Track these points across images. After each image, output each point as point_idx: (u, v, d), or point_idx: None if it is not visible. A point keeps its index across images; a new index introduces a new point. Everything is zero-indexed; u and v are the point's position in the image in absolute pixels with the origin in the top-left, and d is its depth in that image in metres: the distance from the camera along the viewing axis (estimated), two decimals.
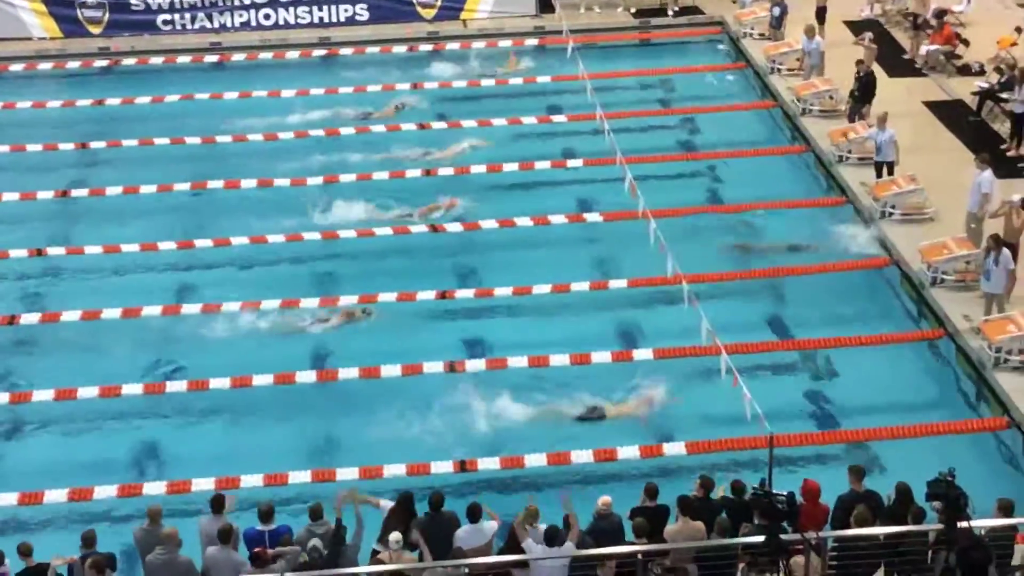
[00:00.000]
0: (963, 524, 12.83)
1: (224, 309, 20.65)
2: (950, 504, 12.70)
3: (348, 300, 20.78)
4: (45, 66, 30.20)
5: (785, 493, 12.96)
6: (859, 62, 25.50)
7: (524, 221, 22.76)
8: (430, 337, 20.30)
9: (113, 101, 28.15)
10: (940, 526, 13.01)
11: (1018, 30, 28.17)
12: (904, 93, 26.86)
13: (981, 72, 27.28)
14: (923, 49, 28.30)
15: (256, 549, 13.65)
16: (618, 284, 21.13)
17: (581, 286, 20.98)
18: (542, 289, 20.87)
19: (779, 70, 28.17)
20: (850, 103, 25.38)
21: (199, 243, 22.68)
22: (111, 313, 20.49)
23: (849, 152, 24.33)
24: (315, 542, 13.65)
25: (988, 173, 20.74)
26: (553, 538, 13.53)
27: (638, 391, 18.60)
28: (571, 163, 25.13)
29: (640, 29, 31.74)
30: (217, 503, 14.39)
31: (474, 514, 14.25)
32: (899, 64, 28.24)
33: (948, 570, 13.09)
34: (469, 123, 26.69)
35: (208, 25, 31.38)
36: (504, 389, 18.66)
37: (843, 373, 19.27)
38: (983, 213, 20.68)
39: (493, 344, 20.10)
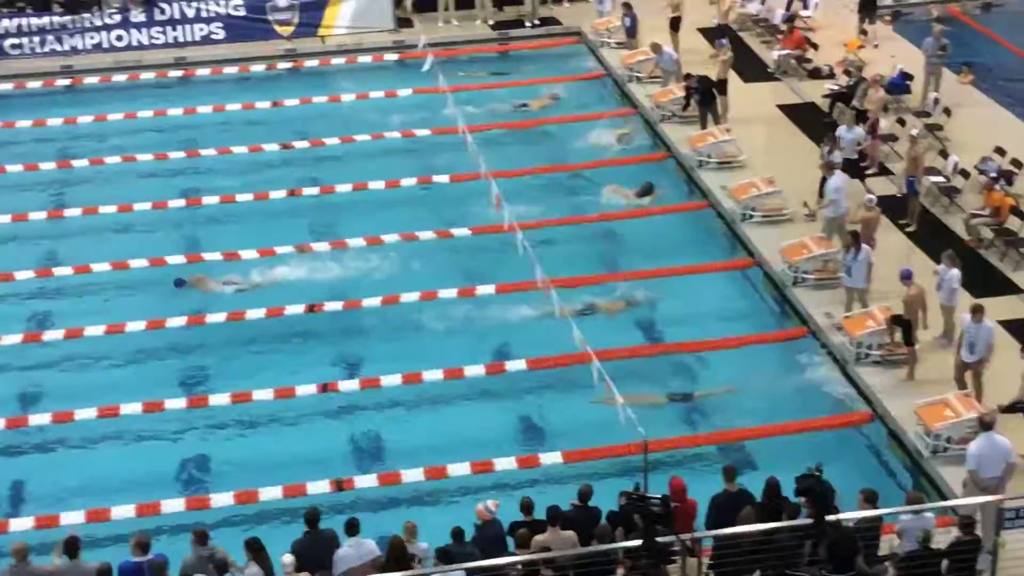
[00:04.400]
0: (831, 517, 13.17)
1: (88, 332, 20.30)
2: (818, 498, 13.01)
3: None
4: None
5: (660, 496, 13.13)
6: (687, 76, 26.02)
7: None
8: (301, 355, 20.17)
9: None
10: (809, 520, 13.32)
11: (863, 33, 29.04)
12: (758, 97, 27.46)
13: (831, 75, 28.03)
14: (774, 54, 28.98)
15: None
16: (486, 290, 21.23)
17: (449, 293, 21.10)
18: (410, 297, 20.94)
19: (637, 78, 28.58)
20: (700, 111, 25.88)
21: (57, 271, 22.15)
22: None
23: (709, 157, 24.79)
24: None
25: (834, 179, 21.26)
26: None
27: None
28: (436, 178, 25.12)
29: (499, 41, 31.90)
30: (71, 545, 13.89)
31: (353, 528, 14.06)
32: (753, 69, 28.87)
33: (814, 561, 13.42)
34: (332, 140, 26.56)
35: (58, 48, 30.62)
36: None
37: (713, 375, 19.58)
38: (842, 218, 21.16)
39: (370, 357, 20.06)
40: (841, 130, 23.09)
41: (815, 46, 29.10)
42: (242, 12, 31.30)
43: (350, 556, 13.88)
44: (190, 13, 31.04)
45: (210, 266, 22.20)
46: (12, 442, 18.33)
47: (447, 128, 25.81)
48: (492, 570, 13.39)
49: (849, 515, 13.79)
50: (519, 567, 13.60)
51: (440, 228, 23.22)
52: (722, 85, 26.18)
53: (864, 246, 19.48)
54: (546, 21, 32.39)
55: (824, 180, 22.04)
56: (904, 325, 18.42)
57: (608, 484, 15.39)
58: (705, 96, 25.67)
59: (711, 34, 29.55)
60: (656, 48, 27.68)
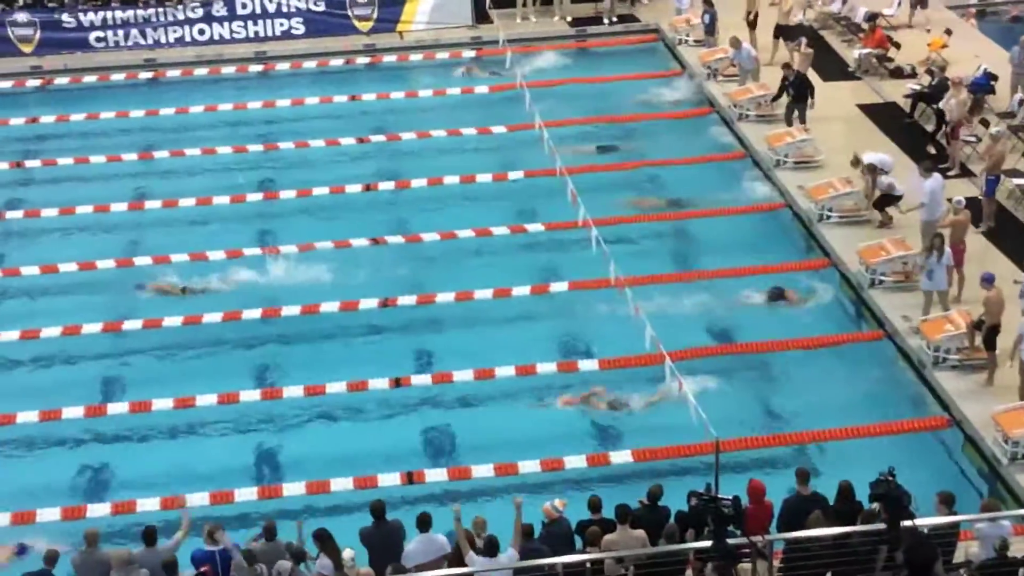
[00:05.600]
0: (907, 523, 12.99)
1: (166, 324, 20.57)
2: (893, 503, 12.83)
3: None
4: None
5: (730, 498, 13.04)
6: (786, 66, 25.83)
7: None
8: (374, 348, 20.28)
9: (47, 119, 27.95)
10: (883, 526, 13.16)
11: (948, 32, 28.59)
12: (838, 97, 27.15)
13: (913, 75, 27.64)
14: (855, 52, 28.64)
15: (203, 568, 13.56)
16: (560, 287, 21.21)
17: (522, 290, 21.11)
18: (484, 293, 21.02)
19: (715, 76, 28.39)
20: (788, 107, 25.66)
21: (138, 261, 22.45)
22: (49, 332, 20.29)
23: (786, 156, 24.56)
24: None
25: (930, 181, 20.93)
26: (492, 548, 13.51)
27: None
28: (512, 174, 25.14)
29: (577, 38, 31.85)
30: (149, 535, 14.14)
31: (424, 523, 14.15)
32: (833, 68, 28.54)
33: (889, 567, 13.25)
34: (408, 135, 26.70)
35: (142, 42, 31.09)
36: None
37: (786, 376, 19.41)
38: (939, 220, 20.76)
39: (442, 353, 20.09)
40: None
41: (897, 45, 28.69)
42: (322, 7, 31.60)
43: (420, 551, 13.96)
44: (271, 8, 31.40)
45: (285, 258, 22.38)
46: (91, 430, 18.62)
47: (523, 124, 25.85)
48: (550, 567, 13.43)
49: (924, 521, 13.59)
50: (588, 565, 13.59)
51: (515, 224, 23.26)
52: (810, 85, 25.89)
53: (948, 249, 19.18)
54: (624, 18, 32.29)
55: (884, 196, 22.01)
56: (985, 329, 18.10)
57: (678, 484, 15.33)
58: (800, 92, 25.42)
59: (788, 33, 29.16)
60: (736, 43, 27.46)
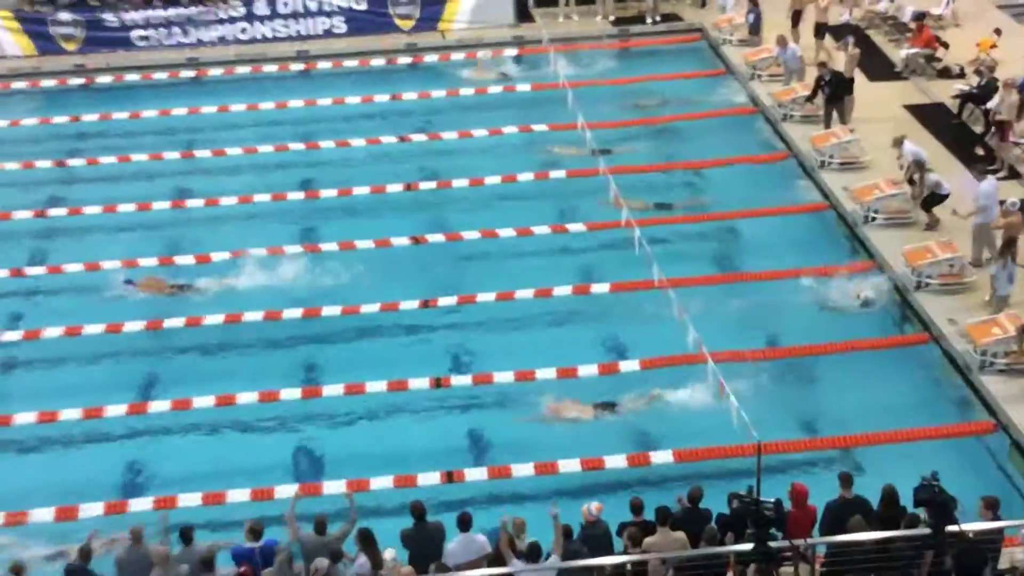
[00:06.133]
0: (951, 528, 12.82)
1: (207, 320, 20.64)
2: (938, 508, 12.66)
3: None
4: (20, 84, 29.99)
5: (773, 500, 12.92)
6: (821, 64, 25.54)
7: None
8: (414, 348, 20.23)
9: (90, 118, 28.09)
10: (927, 531, 13.00)
11: (997, 32, 28.22)
12: (884, 97, 26.88)
13: (961, 75, 27.31)
14: (903, 52, 28.34)
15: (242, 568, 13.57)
16: (601, 288, 21.05)
17: (563, 290, 20.98)
18: (524, 293, 20.92)
19: (759, 76, 28.16)
20: (826, 108, 25.39)
21: (179, 260, 22.52)
22: (93, 330, 20.36)
23: (831, 157, 24.32)
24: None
25: (984, 184, 20.68)
26: (535, 555, 13.42)
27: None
28: (553, 174, 25.03)
29: (619, 37, 31.70)
30: (186, 534, 14.19)
31: (465, 523, 14.09)
32: (880, 68, 28.25)
33: (935, 573, 13.09)
34: (449, 135, 26.66)
35: (184, 40, 31.23)
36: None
37: (830, 379, 19.21)
38: (993, 223, 20.52)
39: (479, 353, 20.02)
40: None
41: (945, 45, 28.36)
42: (364, 6, 31.62)
43: (461, 551, 13.91)
44: (312, 7, 31.47)
45: (326, 257, 22.36)
46: (134, 427, 18.67)
47: (565, 124, 25.76)
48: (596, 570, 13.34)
49: (968, 526, 13.39)
50: (628, 566, 13.50)
51: (556, 223, 23.15)
52: (849, 84, 25.62)
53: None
54: (667, 17, 32.10)
55: (931, 196, 21.72)
56: None
57: (719, 486, 15.19)
58: (835, 91, 25.12)
59: (833, 32, 28.87)
60: (782, 42, 27.23)
